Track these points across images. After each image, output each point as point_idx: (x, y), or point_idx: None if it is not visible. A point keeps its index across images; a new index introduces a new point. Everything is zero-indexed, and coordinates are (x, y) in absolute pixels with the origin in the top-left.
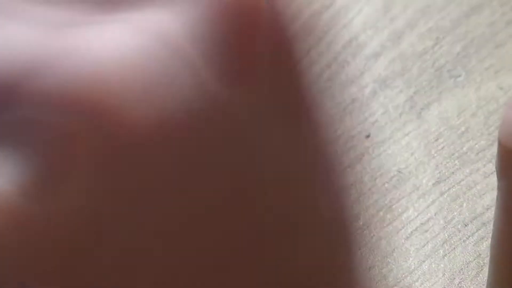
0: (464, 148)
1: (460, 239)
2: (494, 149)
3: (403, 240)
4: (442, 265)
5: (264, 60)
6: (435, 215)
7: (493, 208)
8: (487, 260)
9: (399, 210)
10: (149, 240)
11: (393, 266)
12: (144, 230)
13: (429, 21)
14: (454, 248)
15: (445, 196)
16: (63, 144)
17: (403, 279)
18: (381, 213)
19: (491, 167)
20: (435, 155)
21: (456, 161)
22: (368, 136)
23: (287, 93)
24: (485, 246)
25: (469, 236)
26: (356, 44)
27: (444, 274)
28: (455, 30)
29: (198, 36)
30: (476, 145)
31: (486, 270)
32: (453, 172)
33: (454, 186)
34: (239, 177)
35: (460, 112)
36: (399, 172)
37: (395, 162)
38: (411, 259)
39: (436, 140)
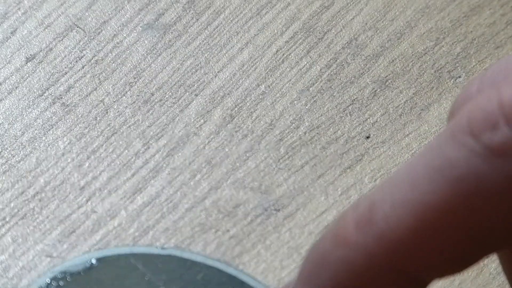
0: None
1: None
2: None
3: None
4: None
5: None
6: None
7: None
8: (487, 261)
9: None
10: None
11: None
12: None
13: (429, 21)
14: None
15: None
16: None
17: None
18: None
19: None
20: None
21: None
22: (368, 137)
23: None
24: None
25: None
26: (356, 44)
27: None
28: (455, 31)
29: None
30: None
31: (486, 271)
32: None
33: None
34: None
35: None
36: None
37: (395, 163)
38: None
39: None
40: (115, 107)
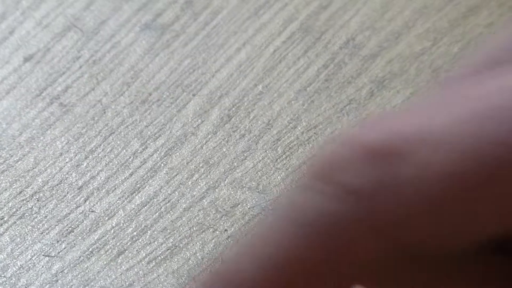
0: None
1: None
2: None
3: None
4: None
5: None
6: None
7: None
8: None
9: None
10: None
11: None
12: None
13: (426, 21)
14: None
15: None
16: None
17: None
18: None
19: None
20: None
21: None
22: None
23: None
24: None
25: None
26: (354, 44)
27: None
28: (453, 31)
29: None
30: None
31: None
32: None
33: None
34: None
35: None
36: None
37: None
38: None
39: None
40: (112, 107)
